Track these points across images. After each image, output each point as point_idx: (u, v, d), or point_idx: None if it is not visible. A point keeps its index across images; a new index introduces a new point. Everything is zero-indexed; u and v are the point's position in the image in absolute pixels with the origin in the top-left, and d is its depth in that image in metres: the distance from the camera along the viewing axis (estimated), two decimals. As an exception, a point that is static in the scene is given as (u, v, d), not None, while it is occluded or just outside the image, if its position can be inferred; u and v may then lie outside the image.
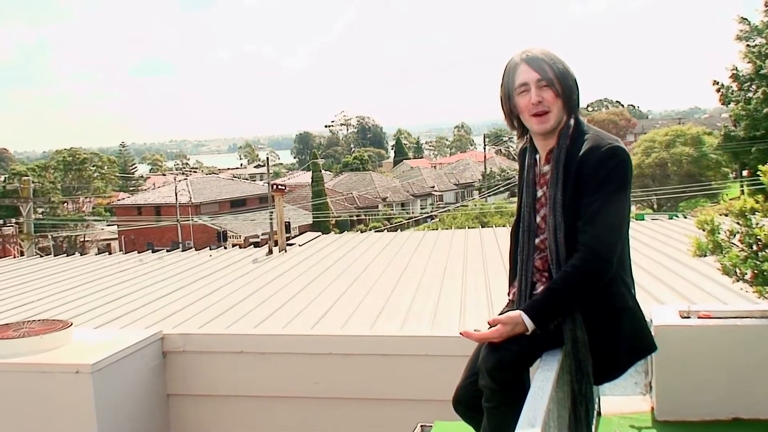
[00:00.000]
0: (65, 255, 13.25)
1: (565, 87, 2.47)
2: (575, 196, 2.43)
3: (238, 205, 52.41)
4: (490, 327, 2.42)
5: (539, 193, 2.58)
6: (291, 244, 12.21)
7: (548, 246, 2.49)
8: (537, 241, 2.57)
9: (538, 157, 2.60)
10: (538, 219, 2.58)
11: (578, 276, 2.38)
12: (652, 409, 3.74)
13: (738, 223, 3.87)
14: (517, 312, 2.40)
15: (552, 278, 2.49)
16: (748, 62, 30.12)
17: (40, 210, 42.47)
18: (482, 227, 16.80)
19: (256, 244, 14.13)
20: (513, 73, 2.51)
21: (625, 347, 2.47)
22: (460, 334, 2.47)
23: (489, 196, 57.09)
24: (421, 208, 60.68)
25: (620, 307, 2.47)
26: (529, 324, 2.37)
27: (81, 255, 13.31)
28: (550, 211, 2.49)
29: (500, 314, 2.62)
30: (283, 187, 15.70)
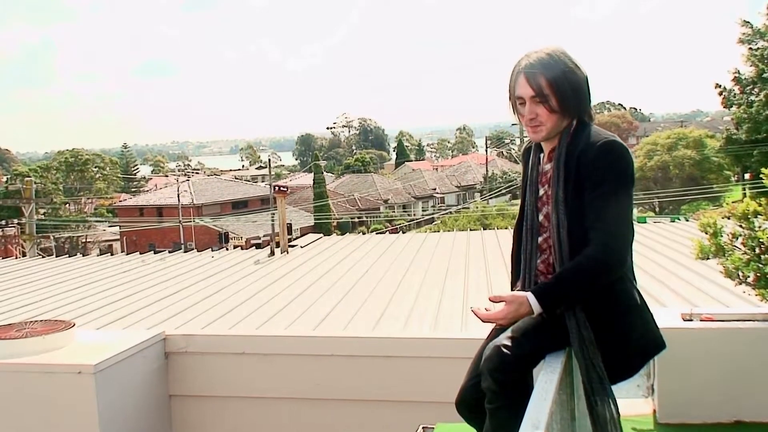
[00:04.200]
0: (67, 256, 13.27)
1: (560, 100, 2.45)
2: (576, 194, 2.43)
3: (239, 206, 52.42)
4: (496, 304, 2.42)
5: (541, 192, 2.59)
6: (293, 246, 12.21)
7: (552, 244, 2.50)
8: (540, 240, 2.58)
9: (542, 155, 2.61)
10: (541, 217, 2.58)
11: (591, 268, 2.37)
12: (654, 411, 3.74)
13: (741, 226, 3.87)
14: (523, 293, 2.39)
15: None
16: (751, 65, 30.08)
17: (42, 211, 42.53)
18: (484, 229, 16.81)
19: (258, 246, 14.14)
20: (514, 81, 2.52)
21: (636, 345, 2.47)
22: (470, 309, 2.48)
23: (491, 198, 57.08)
24: (423, 210, 60.68)
25: (630, 305, 2.47)
26: (536, 306, 2.36)
27: (83, 256, 13.34)
28: (552, 210, 2.49)
29: None
30: (285, 189, 15.72)
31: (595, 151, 2.40)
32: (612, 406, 2.45)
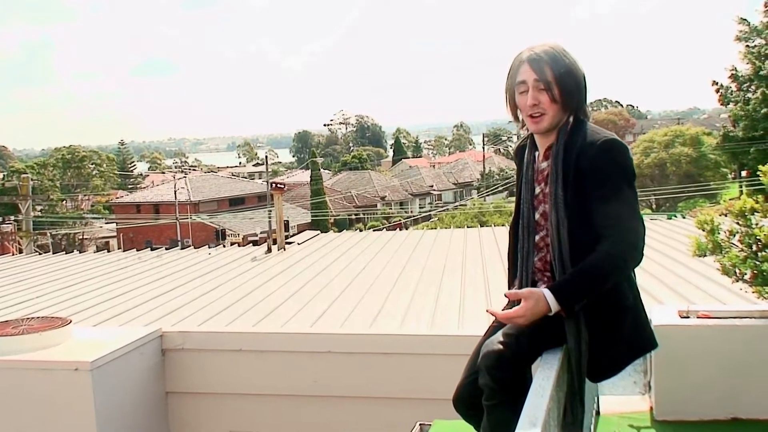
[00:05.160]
0: (64, 253, 13.24)
1: (563, 91, 2.46)
2: (576, 192, 2.42)
3: (236, 203, 52.38)
4: (512, 305, 2.40)
5: (537, 190, 2.58)
6: (290, 243, 12.19)
7: (551, 243, 2.49)
8: (537, 238, 2.57)
9: (537, 153, 2.60)
10: (537, 216, 2.57)
11: (608, 263, 2.34)
12: (651, 408, 3.74)
13: (738, 224, 3.87)
14: (539, 289, 2.36)
15: (554, 277, 2.48)
16: (748, 63, 30.16)
17: (38, 207, 42.42)
18: (481, 226, 16.79)
19: (255, 243, 14.13)
20: (516, 70, 2.53)
21: (625, 345, 2.47)
22: (486, 311, 2.47)
23: (488, 195, 57.10)
24: (420, 208, 60.68)
25: (624, 305, 2.47)
26: (553, 304, 2.33)
27: (80, 253, 13.30)
28: (551, 208, 2.48)
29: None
30: (282, 186, 15.64)
31: (595, 149, 2.40)
32: (579, 409, 2.48)
